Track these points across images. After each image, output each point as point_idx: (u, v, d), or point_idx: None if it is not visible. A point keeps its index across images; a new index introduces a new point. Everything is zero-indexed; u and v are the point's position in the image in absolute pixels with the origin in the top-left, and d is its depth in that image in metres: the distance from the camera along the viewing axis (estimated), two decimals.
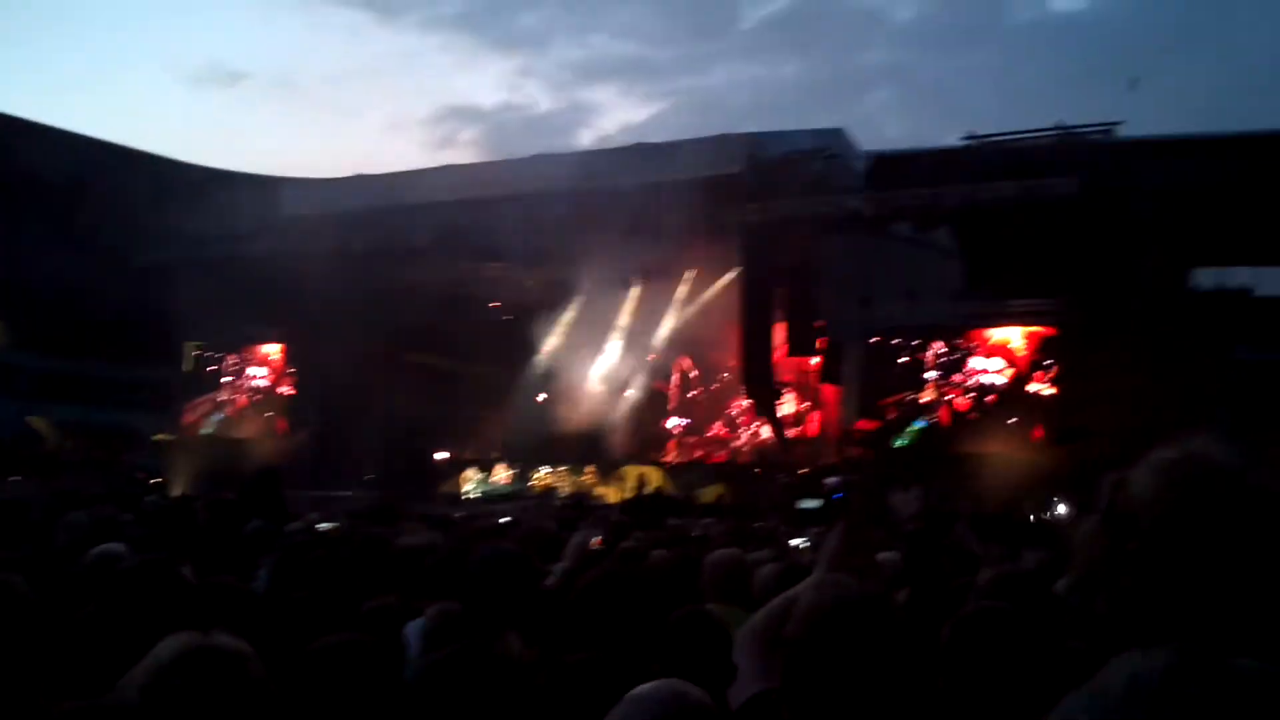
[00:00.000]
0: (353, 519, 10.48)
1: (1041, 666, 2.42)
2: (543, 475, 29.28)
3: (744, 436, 29.69)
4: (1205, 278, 25.65)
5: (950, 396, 25.25)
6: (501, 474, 29.45)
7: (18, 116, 30.50)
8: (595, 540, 6.46)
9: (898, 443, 25.71)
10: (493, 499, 26.39)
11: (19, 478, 19.90)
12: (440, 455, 30.84)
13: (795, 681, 2.10)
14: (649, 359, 30.92)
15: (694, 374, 31.07)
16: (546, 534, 7.88)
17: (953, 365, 25.30)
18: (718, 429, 30.64)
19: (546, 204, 25.60)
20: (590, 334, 31.15)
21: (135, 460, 28.21)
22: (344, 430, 31.46)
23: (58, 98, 65.29)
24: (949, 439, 24.94)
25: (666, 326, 30.62)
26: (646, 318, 30.90)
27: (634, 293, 30.90)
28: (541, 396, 32.40)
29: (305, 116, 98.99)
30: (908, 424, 25.74)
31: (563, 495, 26.04)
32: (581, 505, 17.71)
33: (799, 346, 26.68)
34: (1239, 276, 25.15)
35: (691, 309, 30.25)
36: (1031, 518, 17.69)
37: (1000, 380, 24.77)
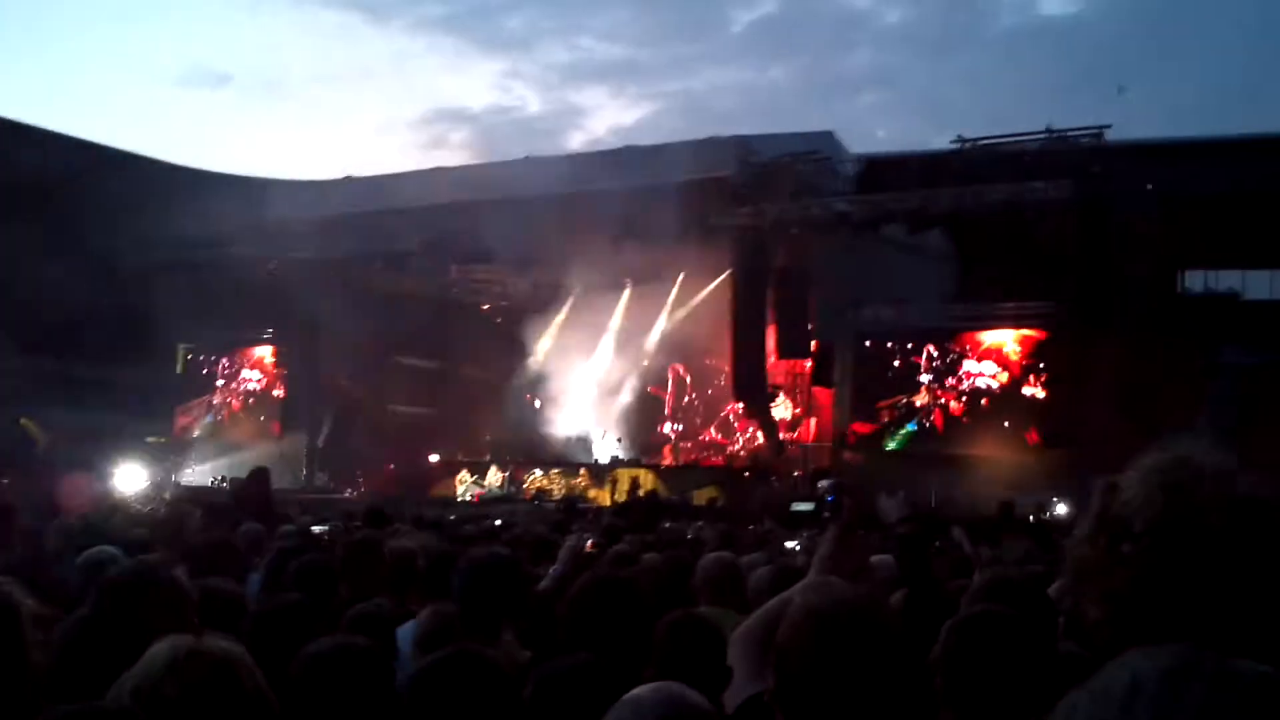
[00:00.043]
0: (345, 521, 10.46)
1: (1038, 670, 2.43)
2: (535, 478, 29.28)
3: (740, 441, 29.72)
4: (1194, 281, 25.75)
5: (944, 400, 25.28)
6: (494, 477, 29.42)
7: (3, 117, 30.38)
8: (588, 543, 6.45)
9: (889, 445, 25.75)
10: (485, 502, 26.37)
11: (9, 480, 19.79)
12: (432, 458, 30.81)
13: (788, 685, 2.10)
14: (643, 363, 30.93)
15: (688, 379, 31.10)
16: (539, 537, 7.89)
17: (947, 369, 25.34)
18: (713, 434, 30.68)
19: (536, 206, 25.58)
20: (581, 337, 31.14)
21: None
22: (336, 433, 31.42)
23: (43, 99, 65.06)
24: (941, 442, 24.98)
25: (658, 330, 30.63)
26: (637, 321, 30.91)
27: (625, 295, 30.91)
28: (533, 399, 32.38)
29: (293, 118, 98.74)
30: (901, 427, 25.78)
31: (555, 498, 26.00)
32: (573, 508, 17.68)
33: (790, 349, 26.68)
34: (1227, 280, 25.25)
35: (682, 312, 30.26)
36: (1031, 518, 17.71)
37: (994, 384, 24.81)
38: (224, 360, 34.68)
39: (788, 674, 2.10)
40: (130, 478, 22.49)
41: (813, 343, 26.91)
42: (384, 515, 9.46)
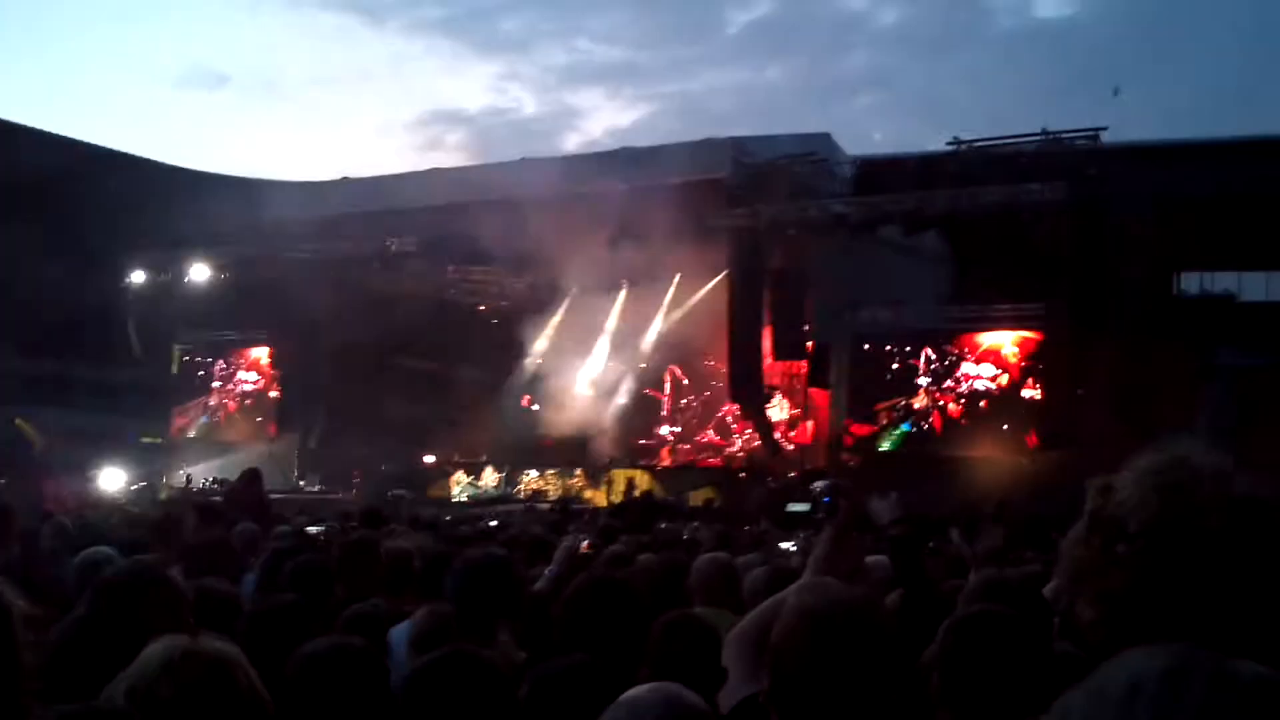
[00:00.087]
0: (340, 522, 10.47)
1: (1036, 670, 2.43)
2: (530, 479, 29.28)
3: (738, 444, 29.73)
4: (1189, 283, 25.79)
5: (943, 402, 25.28)
6: (489, 478, 29.41)
7: (1, 119, 30.35)
8: (584, 544, 6.45)
9: (883, 447, 25.76)
10: (480, 503, 26.37)
11: (5, 480, 19.77)
12: (428, 459, 30.79)
13: (783, 685, 2.11)
14: (640, 365, 30.93)
15: (685, 381, 31.09)
16: (535, 538, 7.89)
17: (945, 371, 25.34)
18: (711, 435, 30.69)
19: (532, 208, 25.56)
20: (577, 338, 31.14)
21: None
22: (331, 434, 31.39)
23: (42, 99, 64.97)
24: (937, 443, 24.99)
25: (654, 331, 30.64)
26: (634, 322, 30.91)
27: (621, 297, 30.91)
28: (529, 400, 32.38)
29: (290, 119, 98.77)
30: (898, 429, 25.79)
31: (550, 499, 26.01)
32: (569, 509, 17.68)
33: (786, 351, 26.67)
34: (1223, 282, 25.30)
35: (678, 313, 30.27)
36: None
37: (992, 386, 24.80)
38: (220, 361, 34.66)
39: (783, 674, 2.10)
40: (124, 478, 22.47)
41: (809, 344, 26.90)
42: (380, 516, 9.47)
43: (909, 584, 4.18)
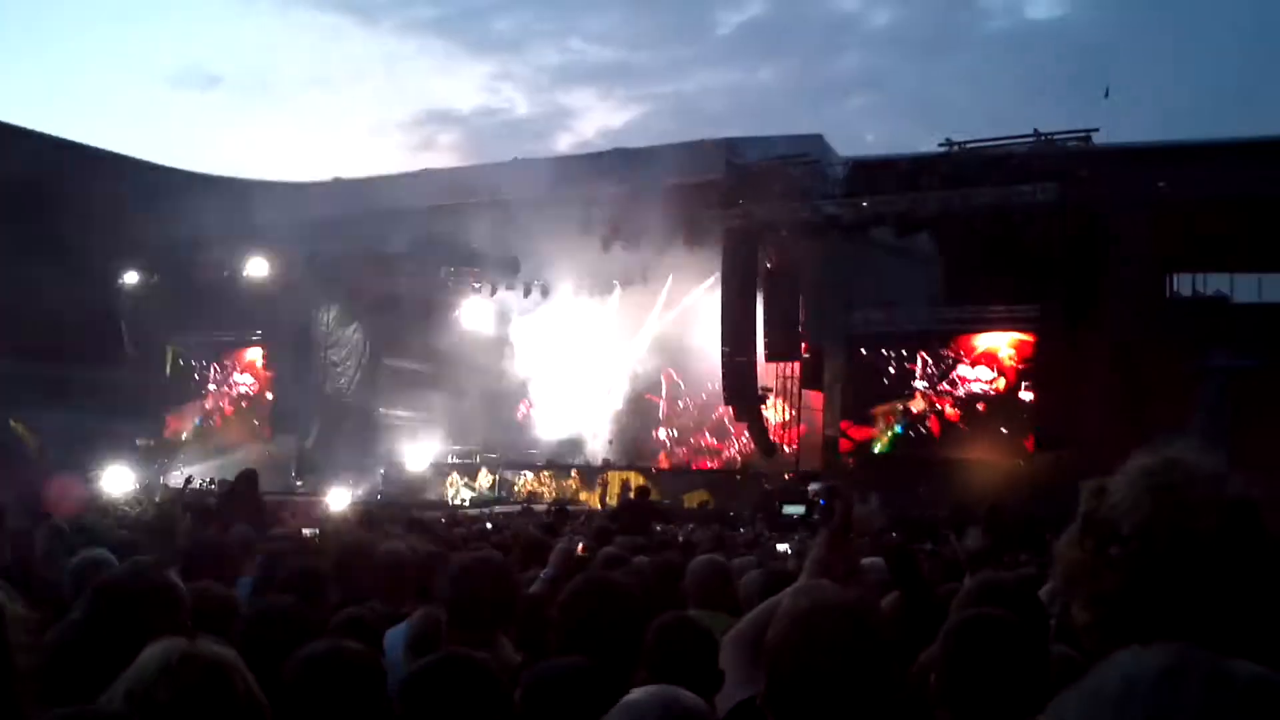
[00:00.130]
0: (335, 524, 10.45)
1: (1035, 672, 2.44)
2: (526, 481, 29.27)
3: (735, 446, 29.76)
4: (1182, 284, 25.83)
5: (939, 405, 25.27)
6: (484, 480, 29.40)
7: None
8: (579, 547, 6.46)
9: (876, 449, 25.77)
10: (476, 505, 26.34)
11: None
12: (424, 461, 30.77)
13: (779, 687, 2.11)
14: (633, 365, 30.94)
15: (682, 385, 31.11)
16: (530, 540, 7.89)
17: (941, 373, 25.33)
18: (708, 438, 30.72)
19: (525, 209, 25.58)
20: (571, 339, 31.13)
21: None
22: (326, 436, 31.35)
23: (34, 100, 64.71)
24: (936, 446, 24.97)
25: (647, 332, 30.65)
26: (627, 323, 30.92)
27: (614, 297, 30.92)
28: (523, 402, 32.38)
29: (283, 120, 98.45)
30: (893, 430, 25.79)
31: (546, 501, 25.99)
32: (564, 511, 17.65)
33: (780, 352, 26.70)
34: (1216, 283, 25.34)
35: (672, 314, 30.28)
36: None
37: (989, 389, 24.80)
38: (215, 364, 34.60)
39: (778, 676, 2.10)
40: (118, 480, 22.42)
41: (802, 345, 26.92)
42: (374, 518, 9.47)
43: (905, 586, 4.19)
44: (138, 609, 2.86)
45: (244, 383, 34.31)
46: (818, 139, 27.61)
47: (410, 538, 7.35)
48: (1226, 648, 1.01)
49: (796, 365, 27.35)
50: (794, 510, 18.92)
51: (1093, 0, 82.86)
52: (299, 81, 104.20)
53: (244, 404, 34.23)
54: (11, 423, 27.07)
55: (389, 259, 30.33)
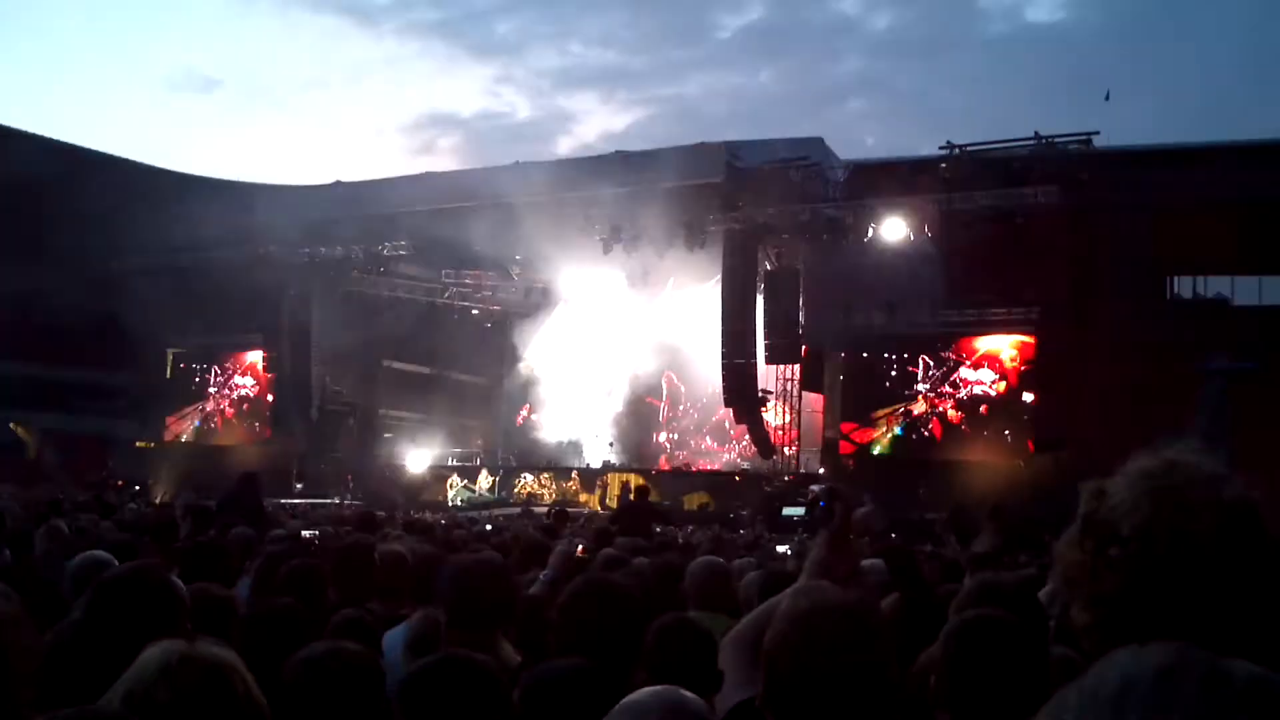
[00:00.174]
0: (335, 526, 10.45)
1: (1036, 673, 2.44)
2: (526, 483, 29.27)
3: (736, 449, 29.77)
4: (1182, 287, 25.83)
5: (941, 408, 25.27)
6: (484, 481, 29.41)
7: None
8: (579, 548, 6.46)
9: (875, 451, 25.77)
10: (476, 506, 26.36)
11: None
12: (423, 463, 30.78)
13: (777, 688, 2.11)
14: (633, 368, 30.94)
15: (682, 388, 31.12)
16: (530, 542, 7.88)
17: (943, 376, 25.33)
18: (708, 441, 30.72)
19: (526, 212, 25.58)
20: (571, 341, 31.16)
21: (117, 467, 28.08)
22: (326, 437, 31.36)
23: (33, 102, 64.89)
24: (935, 448, 24.97)
25: (648, 334, 30.65)
26: (627, 325, 30.92)
27: (615, 300, 30.92)
28: (523, 404, 32.39)
29: (283, 123, 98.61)
30: (893, 433, 25.81)
31: (546, 503, 25.99)
32: (564, 513, 17.66)
33: (779, 354, 26.70)
34: (1216, 286, 25.34)
35: (672, 317, 30.29)
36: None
37: (991, 391, 24.80)
38: (215, 367, 34.62)
39: (777, 677, 2.10)
40: (121, 481, 22.44)
41: (803, 348, 26.92)
42: (375, 520, 9.46)
43: (905, 588, 4.19)
44: (138, 610, 2.86)
45: (244, 385, 34.32)
46: (818, 142, 27.62)
47: (410, 539, 7.35)
48: (1226, 649, 1.01)
49: (797, 368, 27.35)
50: (793, 512, 18.96)
51: (1093, 4, 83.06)
52: (299, 84, 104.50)
53: (244, 406, 34.24)
54: (11, 425, 27.10)
55: (390, 261, 30.35)
